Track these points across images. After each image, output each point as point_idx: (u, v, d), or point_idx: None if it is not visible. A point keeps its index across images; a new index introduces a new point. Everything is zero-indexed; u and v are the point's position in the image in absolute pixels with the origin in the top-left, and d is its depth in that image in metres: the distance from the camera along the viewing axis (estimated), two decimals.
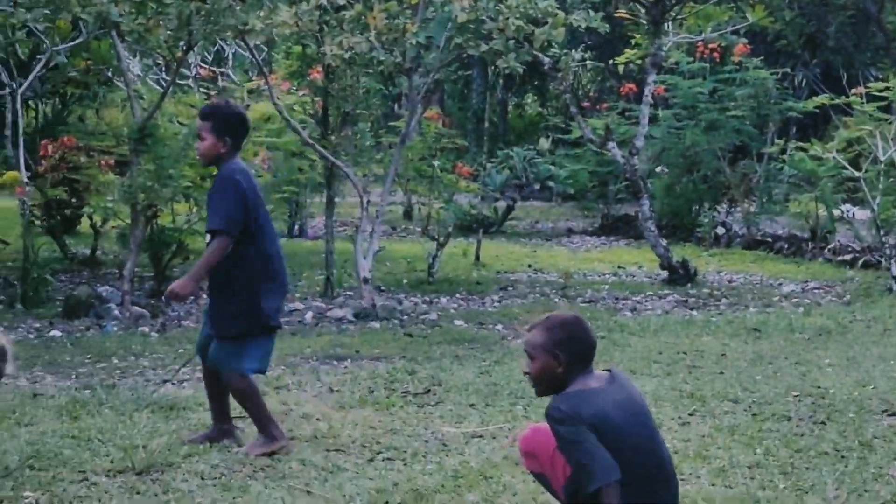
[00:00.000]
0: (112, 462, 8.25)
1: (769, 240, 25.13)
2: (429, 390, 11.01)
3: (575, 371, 5.85)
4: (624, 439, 5.32)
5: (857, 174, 18.84)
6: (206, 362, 8.20)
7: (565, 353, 5.89)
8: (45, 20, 15.94)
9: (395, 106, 19.84)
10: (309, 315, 16.09)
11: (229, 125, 7.33)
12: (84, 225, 20.70)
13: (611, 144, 21.56)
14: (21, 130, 16.82)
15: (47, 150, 19.75)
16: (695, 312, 16.77)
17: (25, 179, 17.23)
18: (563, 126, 27.07)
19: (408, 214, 25.77)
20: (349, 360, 12.30)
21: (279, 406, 10.22)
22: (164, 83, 18.00)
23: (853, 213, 22.89)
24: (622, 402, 5.72)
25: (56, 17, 15.88)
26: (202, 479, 7.67)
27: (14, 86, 16.59)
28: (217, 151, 7.27)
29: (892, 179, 19.63)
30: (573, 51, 18.73)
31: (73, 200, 20.08)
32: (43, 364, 12.45)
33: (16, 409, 9.91)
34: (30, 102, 17.73)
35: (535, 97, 34.14)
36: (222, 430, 8.14)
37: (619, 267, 21.91)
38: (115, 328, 14.79)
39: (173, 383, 11.27)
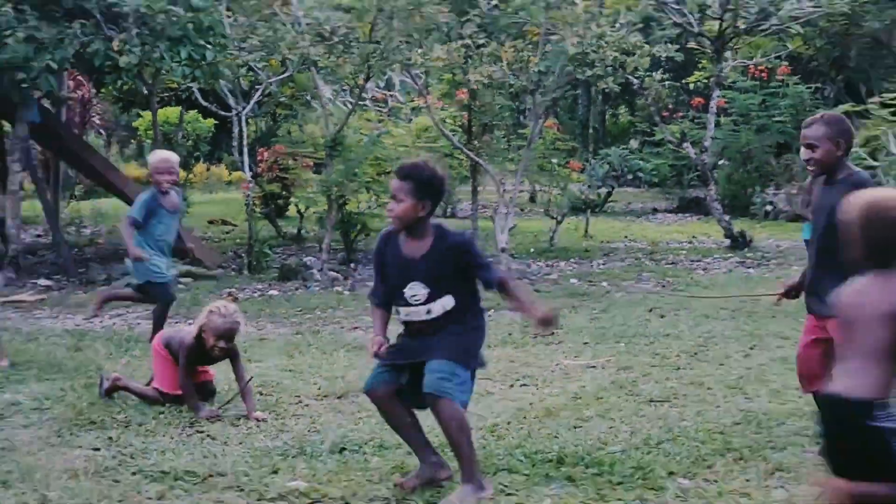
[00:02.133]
0: (319, 389, 8.45)
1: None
2: (553, 333, 11.04)
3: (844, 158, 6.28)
4: None
5: (875, 164, 18.52)
6: (424, 391, 5.63)
7: (845, 141, 6.23)
8: (261, 60, 16.15)
9: (522, 117, 19.69)
10: None
11: (431, 188, 5.73)
12: (292, 211, 21.00)
13: (685, 144, 21.44)
14: (245, 141, 17.05)
15: (263, 156, 20.16)
16: (751, 271, 16.62)
17: (248, 178, 17.53)
18: (649, 131, 26.86)
19: (532, 199, 25.67)
20: (492, 311, 12.36)
21: None
22: (349, 104, 18.10)
23: None
24: None
25: (270, 57, 16.10)
26: None
27: (239, 108, 16.82)
28: (416, 215, 5.66)
29: None
30: (655, 73, 18.58)
31: (284, 193, 20.50)
32: (265, 315, 12.74)
33: (247, 349, 10.09)
34: (250, 120, 17.82)
35: (627, 109, 33.78)
36: (433, 463, 5.97)
37: (692, 237, 21.75)
38: (317, 288, 15.01)
39: (362, 329, 11.38)
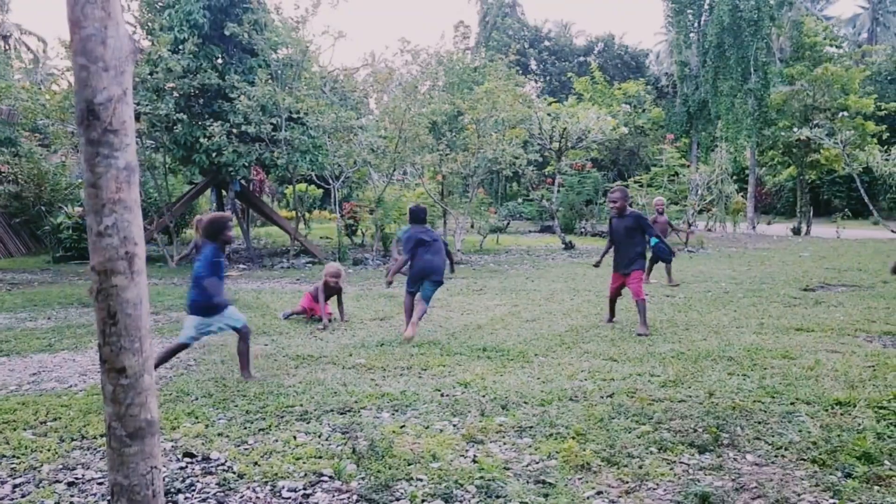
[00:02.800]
0: (371, 315, 8.32)
1: (600, 232, 24.85)
2: (482, 289, 10.97)
3: (627, 205, 7.77)
4: None
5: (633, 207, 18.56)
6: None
7: (627, 198, 7.32)
8: (344, 161, 16.04)
9: (467, 188, 19.76)
10: None
11: (413, 215, 6.92)
12: (360, 232, 20.73)
13: (544, 199, 21.44)
14: (336, 199, 16.93)
15: (345, 207, 19.92)
16: (574, 259, 16.59)
17: (339, 216, 17.36)
18: (526, 194, 26.85)
19: (472, 226, 25.56)
20: (453, 280, 12.29)
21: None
22: (385, 181, 18.02)
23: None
24: None
25: (348, 160, 15.99)
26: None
27: (334, 184, 16.70)
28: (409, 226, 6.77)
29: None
30: (529, 167, 18.62)
31: (354, 223, 20.17)
32: (346, 281, 12.44)
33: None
34: (338, 190, 17.69)
35: (516, 183, 33.62)
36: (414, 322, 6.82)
37: (546, 244, 21.71)
38: (371, 269, 14.70)
39: (390, 287, 11.29)
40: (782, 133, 27.24)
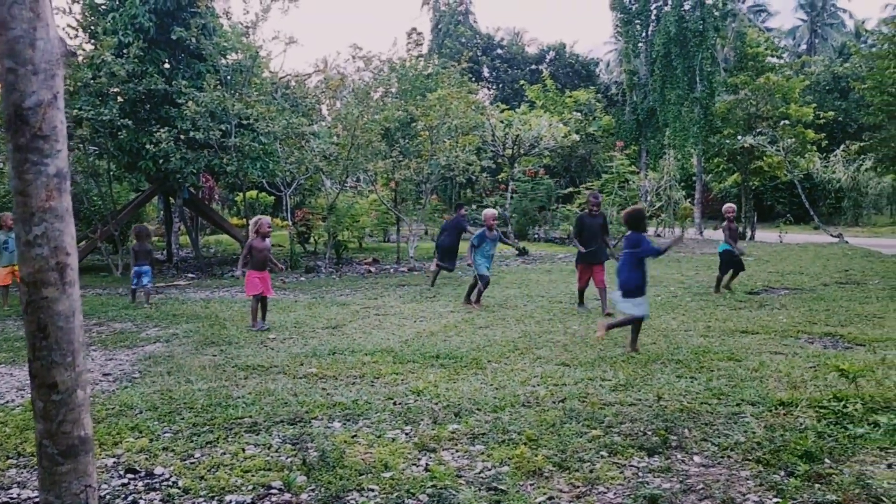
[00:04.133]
0: (323, 324, 8.21)
1: (554, 238, 25.03)
2: (435, 295, 10.93)
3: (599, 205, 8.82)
4: None
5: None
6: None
7: (599, 201, 8.84)
8: (296, 168, 15.86)
9: (420, 195, 19.75)
10: (391, 270, 15.75)
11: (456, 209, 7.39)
12: (313, 240, 20.46)
13: (497, 206, 21.53)
14: (287, 206, 16.70)
15: (297, 214, 19.62)
16: (528, 265, 16.61)
17: (290, 224, 17.14)
18: (479, 200, 26.86)
19: (426, 233, 25.53)
20: (407, 287, 12.24)
21: (374, 303, 10.15)
22: (337, 188, 17.84)
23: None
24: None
25: (300, 167, 15.81)
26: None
27: (286, 191, 16.47)
28: None
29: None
30: (483, 174, 18.70)
31: (307, 231, 19.86)
32: (298, 290, 12.14)
33: (289, 306, 9.85)
34: (291, 197, 17.42)
35: (470, 190, 33.61)
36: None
37: (500, 250, 21.71)
38: (323, 276, 14.53)
39: (343, 294, 11.17)
40: (727, 141, 28.01)
